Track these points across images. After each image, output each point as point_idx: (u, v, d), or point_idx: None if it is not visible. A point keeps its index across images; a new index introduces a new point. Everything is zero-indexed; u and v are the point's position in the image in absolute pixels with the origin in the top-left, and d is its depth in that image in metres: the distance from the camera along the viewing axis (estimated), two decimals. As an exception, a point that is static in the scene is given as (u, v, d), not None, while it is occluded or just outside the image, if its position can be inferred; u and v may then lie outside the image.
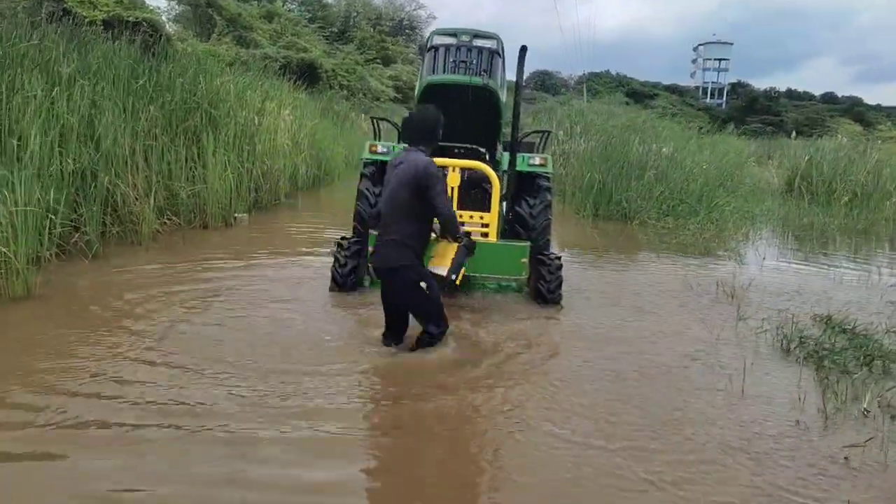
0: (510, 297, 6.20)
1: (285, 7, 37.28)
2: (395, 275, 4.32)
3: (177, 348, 4.39)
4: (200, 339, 4.60)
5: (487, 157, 6.48)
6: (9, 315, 4.91)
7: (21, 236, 5.37)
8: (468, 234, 4.77)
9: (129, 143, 7.72)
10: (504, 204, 6.22)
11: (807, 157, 16.35)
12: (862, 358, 4.84)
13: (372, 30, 41.51)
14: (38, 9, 9.91)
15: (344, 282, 5.93)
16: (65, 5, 11.82)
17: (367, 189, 6.34)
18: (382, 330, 4.71)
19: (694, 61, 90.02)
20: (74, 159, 6.78)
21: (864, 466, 3.32)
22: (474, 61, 5.91)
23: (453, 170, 5.68)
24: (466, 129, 6.13)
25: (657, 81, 72.47)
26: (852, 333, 5.43)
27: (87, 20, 11.94)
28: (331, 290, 5.98)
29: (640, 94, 60.98)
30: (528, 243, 5.78)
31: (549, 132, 7.81)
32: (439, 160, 5.00)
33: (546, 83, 63.99)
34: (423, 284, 4.28)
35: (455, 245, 4.49)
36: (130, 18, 13.04)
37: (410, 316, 4.61)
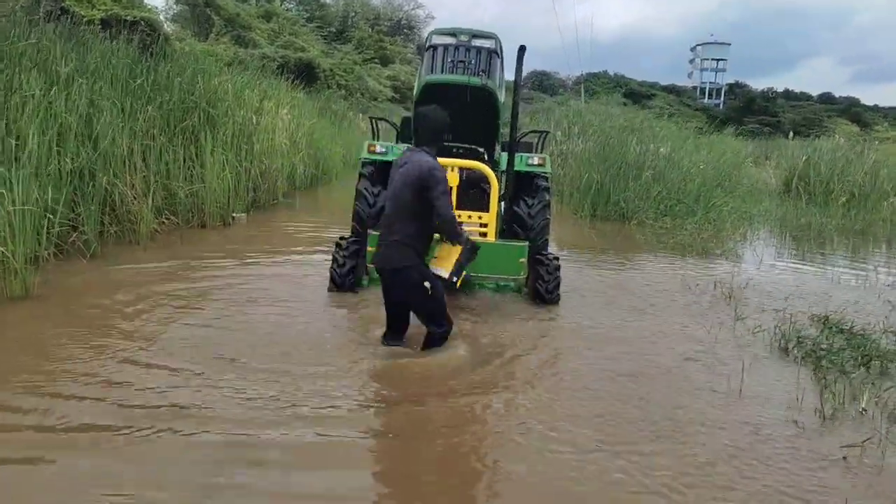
0: (508, 297, 6.21)
1: (283, 7, 37.27)
2: (399, 275, 4.31)
3: (174, 349, 4.38)
4: (198, 340, 4.58)
5: (486, 156, 6.48)
6: (7, 315, 4.90)
7: (19, 236, 5.38)
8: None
9: (127, 142, 7.72)
10: (502, 204, 6.22)
11: (804, 158, 16.37)
12: (859, 358, 4.85)
13: (370, 29, 41.51)
14: (35, 7, 9.87)
15: (342, 282, 5.93)
16: (62, 4, 11.76)
17: (365, 189, 6.33)
18: (382, 330, 4.71)
19: (691, 61, 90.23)
20: (72, 159, 6.77)
21: (862, 466, 3.33)
22: (473, 61, 5.91)
23: (452, 170, 5.68)
24: (465, 128, 6.13)
25: (655, 82, 72.58)
26: (850, 333, 5.45)
27: (84, 19, 11.90)
28: (329, 289, 5.98)
29: (637, 95, 60.96)
30: (527, 243, 5.78)
31: (547, 132, 7.82)
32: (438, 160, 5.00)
33: (544, 83, 63.96)
34: (426, 284, 4.28)
35: (459, 247, 4.49)
36: (128, 17, 12.97)
37: (411, 315, 4.61)
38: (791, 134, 24.14)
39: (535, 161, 6.36)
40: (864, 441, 3.54)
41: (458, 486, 3.07)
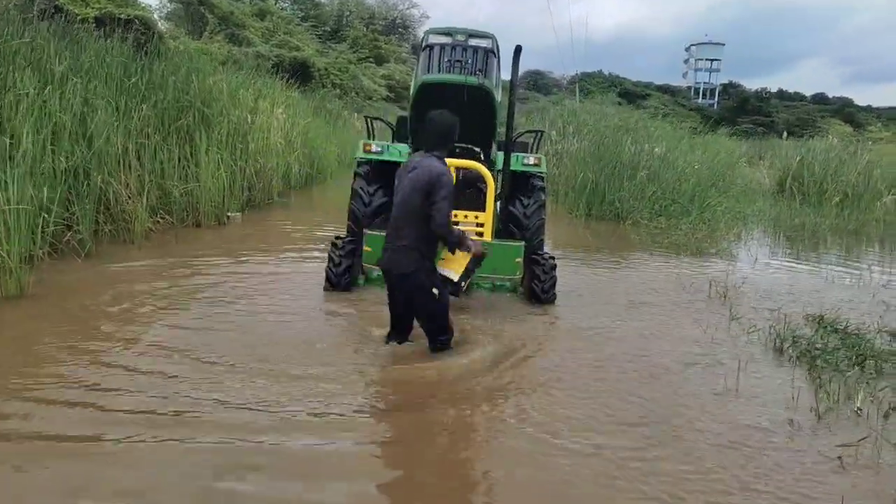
0: (504, 297, 6.21)
1: (278, 5, 37.19)
2: (407, 280, 4.31)
3: (169, 351, 4.33)
4: (193, 341, 4.54)
5: (482, 156, 6.48)
6: (2, 314, 4.87)
7: (13, 235, 5.35)
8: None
9: (121, 141, 7.70)
10: (498, 203, 6.22)
11: (798, 158, 16.45)
12: (854, 357, 4.87)
13: (365, 29, 41.46)
14: (29, 5, 9.83)
15: (338, 281, 5.92)
16: (56, 2, 11.72)
17: (361, 188, 6.33)
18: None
19: (686, 61, 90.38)
20: (67, 157, 6.75)
21: (857, 466, 3.35)
22: (469, 61, 5.91)
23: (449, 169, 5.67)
24: (462, 128, 6.10)
25: (649, 81, 72.73)
26: (844, 333, 5.47)
27: (78, 17, 11.87)
28: (325, 289, 5.97)
29: (632, 95, 61.06)
30: (523, 243, 5.79)
31: (542, 132, 7.82)
32: None
33: (538, 83, 63.96)
34: (434, 291, 4.29)
35: (468, 253, 4.51)
36: (122, 16, 12.93)
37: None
38: (785, 134, 24.25)
39: (531, 161, 6.37)
40: (860, 440, 3.55)
41: (456, 490, 3.06)
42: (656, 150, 14.23)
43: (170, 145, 8.68)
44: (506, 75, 6.30)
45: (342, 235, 6.19)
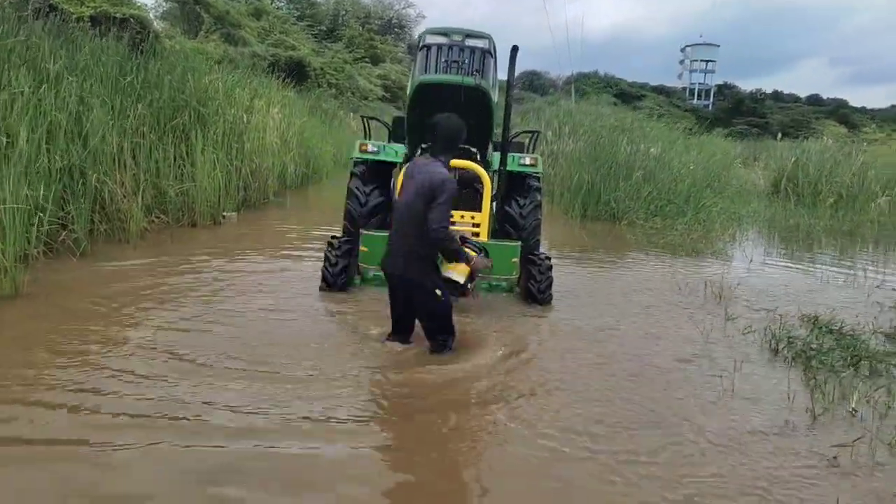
0: (501, 297, 6.20)
1: (273, 5, 37.14)
2: (411, 283, 4.32)
3: (164, 352, 4.27)
4: (190, 342, 4.50)
5: (479, 156, 6.49)
6: (-3, 314, 4.86)
7: (8, 234, 5.33)
8: (483, 248, 4.77)
9: (117, 140, 7.67)
10: (494, 204, 6.23)
11: (793, 159, 16.49)
12: (849, 358, 4.89)
13: (361, 28, 41.44)
14: (24, 4, 9.79)
15: (334, 281, 5.92)
16: (51, 1, 11.69)
17: (357, 188, 6.33)
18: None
19: (681, 62, 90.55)
20: (62, 157, 6.73)
21: (852, 466, 3.36)
22: (466, 61, 5.91)
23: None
24: None
25: (645, 82, 72.86)
26: (839, 334, 5.49)
27: (74, 16, 11.84)
28: (321, 289, 5.97)
29: (628, 95, 61.21)
30: (520, 243, 5.79)
31: (538, 132, 7.84)
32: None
33: (534, 83, 64.06)
34: (437, 292, 4.30)
35: (473, 253, 4.53)
36: (118, 15, 12.93)
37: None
38: (779, 135, 24.29)
39: (527, 161, 6.37)
40: (855, 441, 3.56)
41: (455, 494, 3.05)
42: (652, 150, 14.26)
43: (165, 144, 8.66)
44: (502, 75, 6.30)
45: (338, 235, 6.19)
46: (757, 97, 71.94)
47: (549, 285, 6.04)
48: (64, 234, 6.60)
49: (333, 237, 6.08)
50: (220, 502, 2.76)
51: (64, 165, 6.74)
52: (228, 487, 2.84)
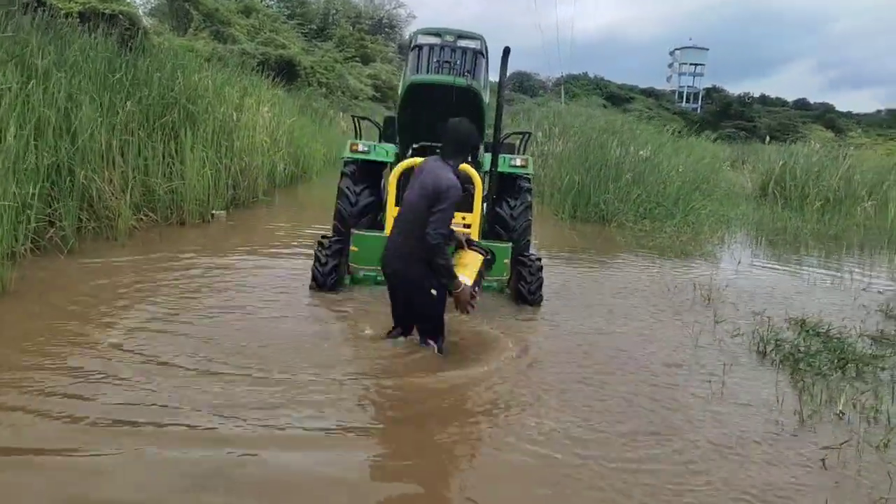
0: (492, 299, 6.20)
1: (263, 3, 37.02)
2: (413, 285, 4.33)
3: (151, 354, 4.19)
4: (178, 343, 4.45)
5: (470, 157, 6.49)
6: (-18, 311, 4.81)
7: (-5, 231, 5.29)
8: (490, 251, 4.76)
9: (105, 137, 7.61)
10: (485, 205, 6.23)
11: (781, 163, 16.61)
12: (836, 361, 4.93)
13: (351, 28, 41.40)
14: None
15: (324, 281, 5.90)
16: (40, -4, 11.59)
17: (347, 188, 6.31)
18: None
19: (670, 65, 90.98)
20: (50, 153, 6.67)
21: (840, 468, 3.38)
22: (458, 62, 5.90)
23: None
24: None
25: (634, 84, 73.22)
26: (826, 337, 5.54)
27: (62, 12, 11.75)
28: (311, 288, 5.95)
29: (617, 98, 61.54)
30: (511, 244, 5.80)
31: (529, 133, 7.84)
32: (420, 160, 4.99)
33: (524, 84, 64.21)
34: (433, 291, 4.29)
35: (481, 258, 4.52)
36: (107, 11, 12.85)
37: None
38: (767, 139, 24.48)
39: (518, 162, 6.38)
40: (842, 444, 3.59)
41: (446, 502, 3.04)
42: (641, 152, 14.31)
43: (154, 142, 8.59)
44: (493, 76, 6.31)
45: (329, 235, 6.17)
46: (745, 101, 72.43)
47: (540, 286, 6.05)
48: (52, 231, 6.53)
49: (324, 237, 6.06)
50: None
51: (52, 162, 6.68)
52: (217, 495, 2.80)
